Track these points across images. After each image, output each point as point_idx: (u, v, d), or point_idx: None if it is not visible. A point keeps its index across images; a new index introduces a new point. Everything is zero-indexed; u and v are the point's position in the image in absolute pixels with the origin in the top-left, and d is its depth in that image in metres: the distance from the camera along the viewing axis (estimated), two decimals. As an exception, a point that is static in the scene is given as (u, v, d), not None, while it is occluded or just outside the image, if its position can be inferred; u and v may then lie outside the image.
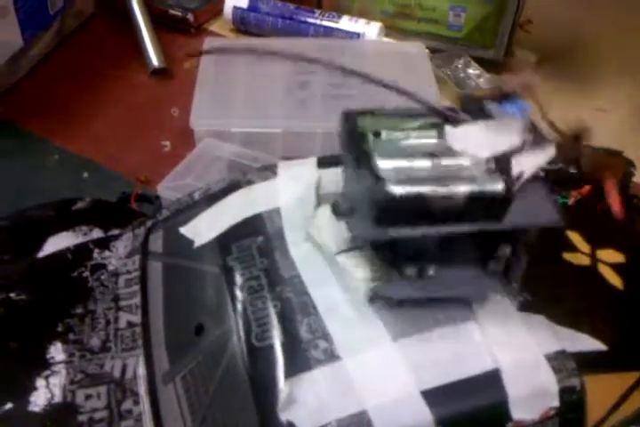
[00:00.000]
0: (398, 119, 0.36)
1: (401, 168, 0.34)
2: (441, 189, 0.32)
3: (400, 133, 0.36)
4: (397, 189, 0.32)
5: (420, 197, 0.32)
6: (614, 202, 0.40)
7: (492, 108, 0.37)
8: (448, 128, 0.36)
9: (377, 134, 0.35)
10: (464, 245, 0.36)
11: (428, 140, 0.36)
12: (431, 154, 0.35)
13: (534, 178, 0.35)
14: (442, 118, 0.36)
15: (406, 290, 0.36)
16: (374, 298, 0.37)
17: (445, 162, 0.34)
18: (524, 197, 0.34)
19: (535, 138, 0.36)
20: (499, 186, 0.33)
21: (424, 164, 0.34)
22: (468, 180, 0.33)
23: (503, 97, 0.39)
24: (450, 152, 0.35)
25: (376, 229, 0.33)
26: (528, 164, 0.34)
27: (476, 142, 0.35)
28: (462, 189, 0.33)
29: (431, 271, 0.36)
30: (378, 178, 0.33)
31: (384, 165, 0.33)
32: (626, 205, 0.53)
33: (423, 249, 0.35)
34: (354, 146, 0.35)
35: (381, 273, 0.37)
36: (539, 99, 0.44)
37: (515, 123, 0.35)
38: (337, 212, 0.38)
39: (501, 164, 0.34)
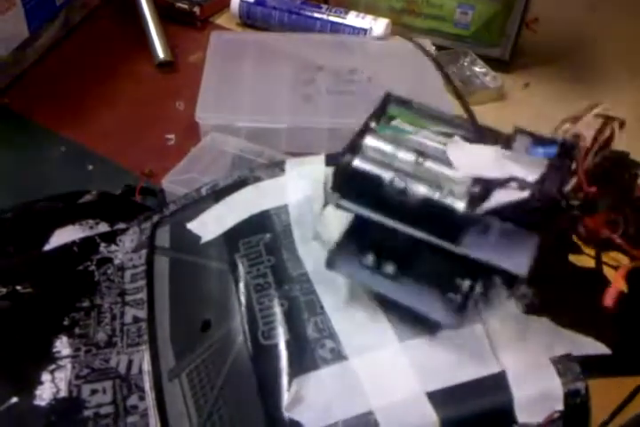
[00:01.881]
0: (424, 117, 0.36)
1: (382, 151, 0.34)
2: (399, 182, 0.32)
3: (411, 127, 0.36)
4: (357, 162, 0.33)
5: (373, 178, 0.33)
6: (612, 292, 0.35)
7: (521, 140, 0.35)
8: (456, 139, 0.35)
9: (391, 118, 0.36)
10: (425, 261, 0.35)
11: (432, 142, 0.35)
12: (421, 152, 0.34)
13: (530, 228, 0.34)
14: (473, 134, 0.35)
15: (361, 274, 0.36)
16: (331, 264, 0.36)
17: (429, 164, 0.34)
18: (506, 239, 0.33)
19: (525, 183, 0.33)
20: (460, 204, 0.32)
21: (407, 157, 0.34)
22: (437, 187, 0.32)
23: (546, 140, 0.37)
24: (442, 160, 0.34)
25: (331, 193, 0.34)
26: (498, 197, 0.32)
27: (472, 161, 0.33)
28: (421, 190, 0.32)
29: (390, 269, 0.35)
30: (352, 148, 0.33)
31: (370, 142, 0.34)
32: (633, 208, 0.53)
33: (385, 242, 0.35)
34: (367, 120, 0.36)
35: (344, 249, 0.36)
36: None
37: (530, 161, 0.34)
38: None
39: (481, 190, 0.32)
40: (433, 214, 0.32)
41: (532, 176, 0.33)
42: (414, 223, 0.33)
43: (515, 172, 0.33)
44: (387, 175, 0.33)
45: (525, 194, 0.32)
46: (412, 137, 0.35)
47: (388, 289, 0.36)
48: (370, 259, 0.36)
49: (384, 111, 0.36)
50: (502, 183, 0.32)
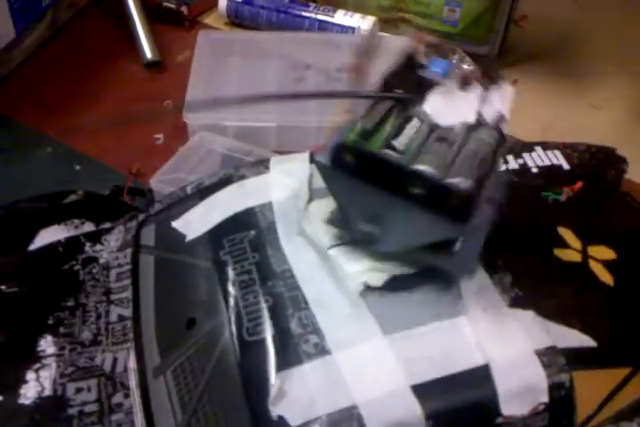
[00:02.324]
0: (381, 125, 0.36)
1: (438, 166, 0.34)
2: (482, 165, 0.35)
3: (403, 138, 0.36)
4: (465, 185, 0.33)
5: (480, 180, 0.34)
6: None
7: (426, 74, 0.39)
8: (424, 109, 0.37)
9: (392, 148, 0.35)
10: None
11: (421, 129, 0.37)
12: (439, 138, 0.36)
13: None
14: (398, 102, 0.38)
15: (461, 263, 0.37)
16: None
17: (450, 138, 0.36)
18: None
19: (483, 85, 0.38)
20: (496, 134, 0.36)
21: (444, 149, 0.35)
22: (480, 143, 0.36)
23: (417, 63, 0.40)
24: (441, 128, 0.36)
25: (455, 227, 0.34)
26: (499, 106, 0.37)
27: (452, 111, 0.37)
28: (486, 151, 0.35)
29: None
30: (442, 184, 0.34)
31: (430, 171, 0.34)
32: (618, 202, 0.53)
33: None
34: (378, 170, 0.35)
35: (433, 260, 0.37)
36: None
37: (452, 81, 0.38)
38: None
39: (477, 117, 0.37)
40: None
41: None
42: None
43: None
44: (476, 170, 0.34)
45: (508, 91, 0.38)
46: (413, 142, 0.36)
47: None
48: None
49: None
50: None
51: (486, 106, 0.37)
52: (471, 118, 0.36)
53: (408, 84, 0.38)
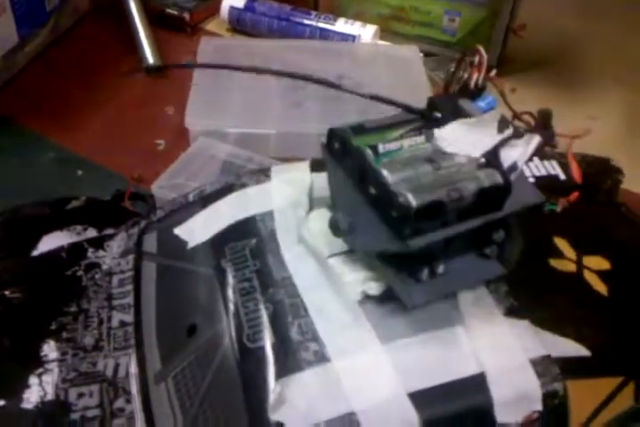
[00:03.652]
0: (385, 130, 0.37)
1: (407, 178, 0.35)
2: (452, 193, 0.34)
3: (393, 144, 0.37)
4: (413, 201, 0.33)
5: (435, 204, 0.34)
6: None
7: (465, 104, 0.40)
8: (436, 131, 0.37)
9: (374, 148, 0.36)
10: (465, 237, 0.37)
11: (421, 146, 0.37)
12: (429, 159, 0.36)
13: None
14: (423, 120, 0.38)
15: (421, 293, 0.36)
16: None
17: (444, 164, 0.36)
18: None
19: (515, 131, 0.38)
20: (498, 179, 0.35)
21: (426, 170, 0.35)
22: (470, 178, 0.35)
23: (471, 93, 0.41)
24: (444, 154, 0.37)
25: (396, 242, 0.34)
26: (518, 155, 0.37)
27: (463, 141, 0.37)
28: (470, 187, 0.34)
29: (440, 269, 0.37)
30: (391, 192, 0.34)
31: (391, 178, 0.35)
32: (613, 212, 0.54)
33: (433, 250, 0.36)
34: (353, 163, 0.36)
35: (392, 280, 0.37)
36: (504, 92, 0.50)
37: (492, 118, 0.38)
38: (336, 230, 0.39)
39: (491, 158, 0.36)
40: (484, 199, 0.35)
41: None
42: (466, 216, 0.35)
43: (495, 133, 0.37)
44: (437, 195, 0.34)
45: (536, 142, 0.37)
46: (404, 152, 0.36)
47: (443, 288, 0.37)
48: (425, 274, 0.37)
49: (349, 145, 0.37)
50: (503, 142, 0.37)
51: (507, 151, 0.37)
52: (475, 154, 0.36)
53: (447, 109, 0.39)
